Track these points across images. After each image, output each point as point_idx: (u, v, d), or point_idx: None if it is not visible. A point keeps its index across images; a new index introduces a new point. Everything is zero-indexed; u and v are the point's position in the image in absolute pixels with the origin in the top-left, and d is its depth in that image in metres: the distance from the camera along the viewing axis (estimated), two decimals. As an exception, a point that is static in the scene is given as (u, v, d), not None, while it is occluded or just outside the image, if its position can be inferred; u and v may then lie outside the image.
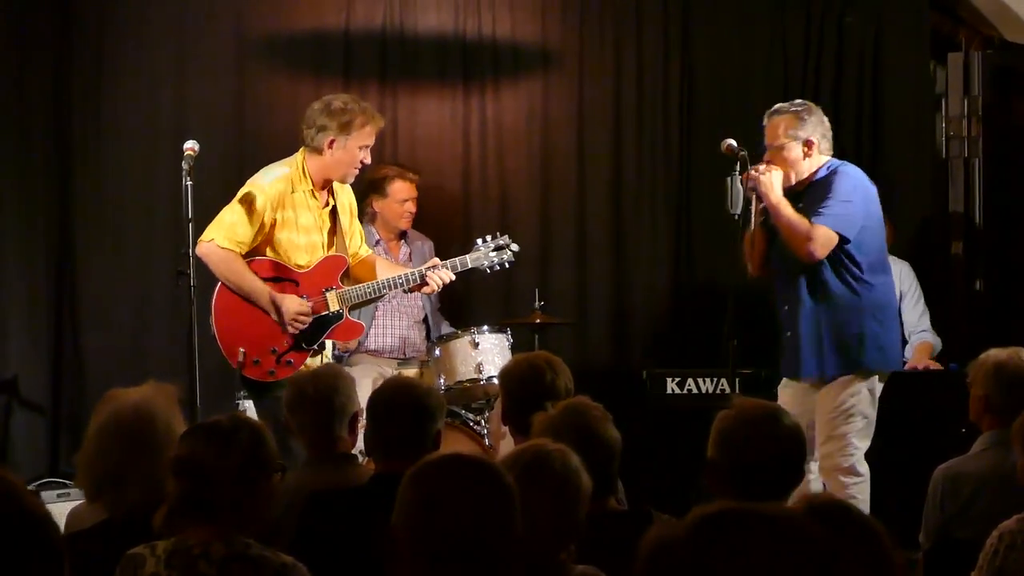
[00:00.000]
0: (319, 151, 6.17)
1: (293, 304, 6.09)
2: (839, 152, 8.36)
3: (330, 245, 6.29)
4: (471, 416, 7.08)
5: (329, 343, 6.31)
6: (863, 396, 6.08)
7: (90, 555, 3.40)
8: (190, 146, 5.95)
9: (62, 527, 4.04)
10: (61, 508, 5.67)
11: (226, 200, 7.72)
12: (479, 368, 6.98)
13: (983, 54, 8.18)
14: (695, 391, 7.13)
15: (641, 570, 1.96)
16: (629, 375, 7.67)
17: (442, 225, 8.22)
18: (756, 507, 1.94)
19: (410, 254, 7.80)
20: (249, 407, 7.05)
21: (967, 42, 8.29)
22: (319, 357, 6.22)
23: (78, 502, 4.67)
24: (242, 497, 3.32)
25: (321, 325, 6.19)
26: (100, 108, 8.03)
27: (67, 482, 7.35)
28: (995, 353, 5.00)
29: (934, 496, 4.86)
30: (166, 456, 3.45)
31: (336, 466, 4.55)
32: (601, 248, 8.36)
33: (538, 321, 7.26)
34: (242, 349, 6.08)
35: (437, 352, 7.11)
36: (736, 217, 6.06)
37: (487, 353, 7.00)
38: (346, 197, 6.45)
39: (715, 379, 7.07)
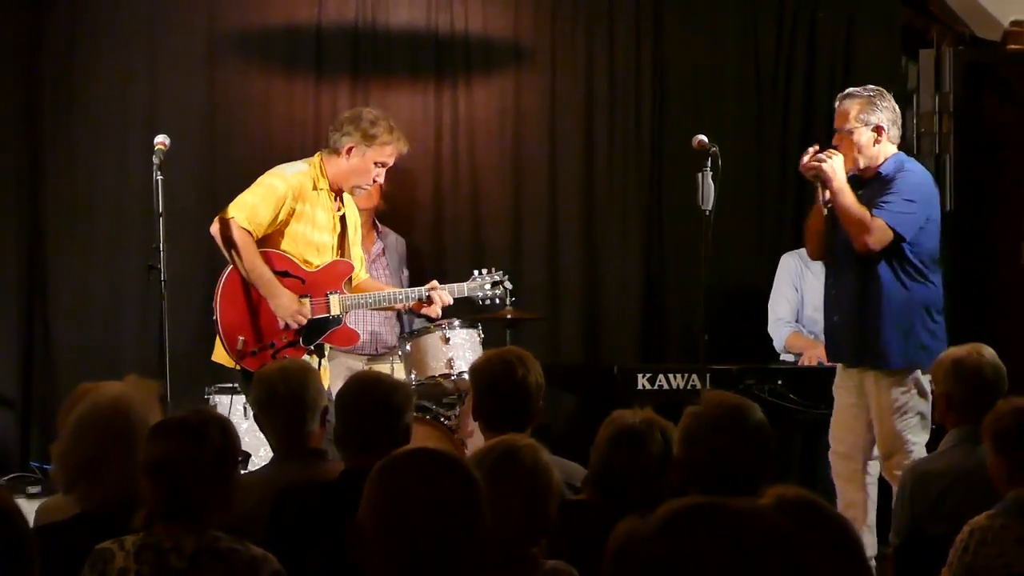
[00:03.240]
0: (337, 153, 6.27)
1: (293, 303, 6.11)
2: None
3: (339, 248, 6.33)
4: (442, 411, 7.08)
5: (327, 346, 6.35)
6: (912, 392, 6.06)
7: (61, 549, 3.38)
8: (161, 140, 5.95)
9: (31, 521, 4.03)
10: (31, 503, 5.65)
11: (197, 195, 7.74)
12: (450, 363, 6.96)
13: (954, 50, 8.20)
14: (666, 387, 7.10)
15: (609, 565, 1.96)
16: (600, 370, 7.65)
17: (413, 220, 8.21)
18: (724, 502, 1.94)
19: (384, 249, 7.79)
20: (219, 402, 7.05)
21: (939, 38, 8.31)
22: (316, 360, 6.23)
23: (48, 497, 4.66)
24: (215, 490, 3.32)
25: (320, 327, 6.21)
26: (71, 102, 7.99)
27: (38, 476, 7.32)
28: (954, 351, 5.00)
29: (903, 494, 4.85)
30: (140, 452, 3.44)
31: (306, 462, 4.53)
32: (573, 243, 8.36)
33: (509, 316, 7.24)
34: (242, 338, 6.12)
35: (408, 347, 7.10)
36: (707, 213, 6.04)
37: (458, 348, 6.99)
38: (354, 214, 6.49)
39: (686, 375, 7.05)
